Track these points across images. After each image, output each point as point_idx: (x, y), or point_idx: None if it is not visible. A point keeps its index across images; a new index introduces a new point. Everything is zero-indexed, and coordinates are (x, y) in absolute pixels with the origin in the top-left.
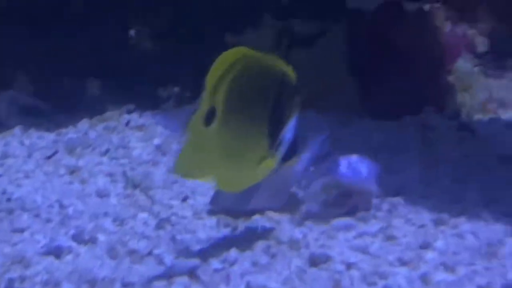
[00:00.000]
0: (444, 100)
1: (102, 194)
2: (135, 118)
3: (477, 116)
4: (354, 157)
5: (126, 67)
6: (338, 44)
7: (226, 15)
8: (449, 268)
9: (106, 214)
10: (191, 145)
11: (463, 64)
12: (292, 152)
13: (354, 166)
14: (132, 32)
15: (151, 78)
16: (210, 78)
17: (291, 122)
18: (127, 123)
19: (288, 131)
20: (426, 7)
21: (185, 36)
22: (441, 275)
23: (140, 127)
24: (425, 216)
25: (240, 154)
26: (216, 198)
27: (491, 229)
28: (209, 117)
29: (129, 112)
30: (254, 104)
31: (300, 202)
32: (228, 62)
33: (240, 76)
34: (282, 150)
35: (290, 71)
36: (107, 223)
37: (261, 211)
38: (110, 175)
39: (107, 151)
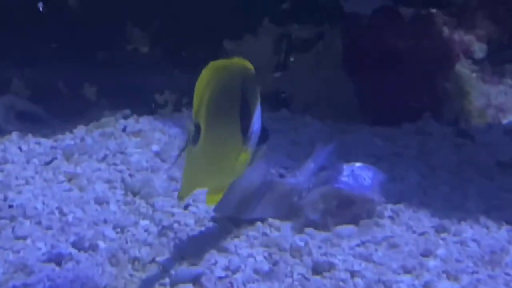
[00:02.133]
0: (442, 106)
1: (101, 201)
2: (132, 123)
3: (476, 123)
4: (357, 165)
5: (122, 72)
6: (336, 49)
7: (224, 21)
8: (452, 276)
9: (106, 221)
10: (188, 168)
11: (461, 70)
12: (261, 140)
13: (357, 174)
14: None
15: (148, 83)
16: (195, 98)
17: (256, 113)
18: (124, 129)
19: (255, 123)
20: (423, 12)
21: (183, 41)
22: (444, 284)
23: (137, 133)
24: (426, 224)
25: (221, 161)
26: (219, 206)
27: (494, 237)
28: (196, 136)
29: (126, 117)
30: (227, 110)
31: (301, 210)
32: (207, 79)
33: (215, 89)
34: (253, 141)
35: (249, 65)
36: (108, 230)
37: (262, 219)
38: (109, 181)
39: (104, 157)
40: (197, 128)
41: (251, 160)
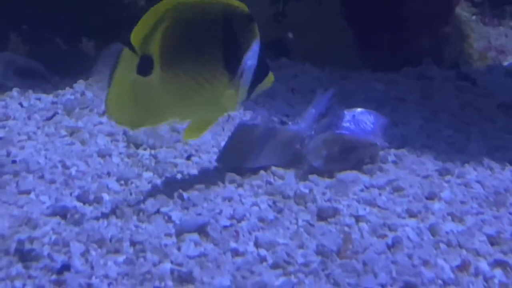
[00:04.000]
0: (443, 50)
1: (104, 154)
2: None
3: (476, 65)
4: (358, 110)
5: (120, 26)
6: None
7: None
8: (457, 218)
9: (109, 174)
10: (127, 94)
11: (461, 13)
12: (259, 76)
13: (359, 119)
14: None
15: None
16: (139, 29)
17: (252, 49)
18: None
19: (249, 58)
20: None
21: None
22: (449, 226)
23: None
24: (430, 167)
25: (197, 93)
26: (222, 156)
27: (497, 178)
28: (144, 67)
29: None
30: (199, 42)
31: (303, 158)
32: (158, 13)
33: (176, 22)
34: (246, 77)
35: (236, 2)
36: (111, 183)
37: (266, 168)
38: (111, 134)
39: (105, 111)
40: (145, 59)
41: (246, 96)
